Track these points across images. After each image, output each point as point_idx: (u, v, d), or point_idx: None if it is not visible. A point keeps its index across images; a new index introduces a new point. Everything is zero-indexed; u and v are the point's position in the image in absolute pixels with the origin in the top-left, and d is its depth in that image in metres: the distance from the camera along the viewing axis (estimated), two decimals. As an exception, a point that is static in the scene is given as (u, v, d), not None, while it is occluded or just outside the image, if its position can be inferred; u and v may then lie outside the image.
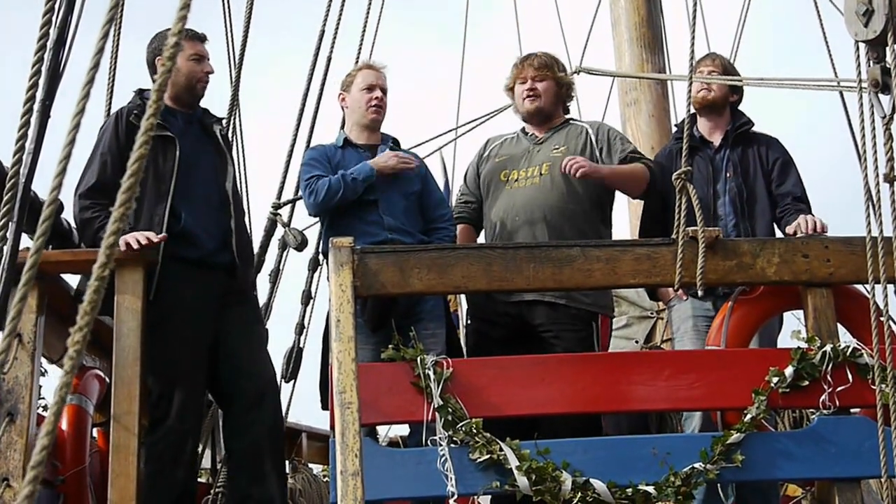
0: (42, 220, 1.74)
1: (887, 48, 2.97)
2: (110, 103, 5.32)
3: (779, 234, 4.60)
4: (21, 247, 2.80)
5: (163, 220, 4.27)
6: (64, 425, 4.46)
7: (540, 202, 4.74)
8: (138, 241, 4.06)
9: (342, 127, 5.14)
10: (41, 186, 2.89)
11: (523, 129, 5.06)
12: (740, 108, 4.97)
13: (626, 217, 6.70)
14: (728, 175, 4.73)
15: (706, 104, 4.82)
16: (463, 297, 5.22)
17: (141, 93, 4.59)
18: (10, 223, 2.66)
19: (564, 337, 4.56)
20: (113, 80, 5.41)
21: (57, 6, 2.53)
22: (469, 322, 4.91)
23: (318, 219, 5.01)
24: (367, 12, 6.75)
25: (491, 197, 4.90)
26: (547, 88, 4.94)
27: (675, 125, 5.44)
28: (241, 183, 5.17)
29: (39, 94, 2.49)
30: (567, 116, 5.07)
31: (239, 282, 4.53)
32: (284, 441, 4.79)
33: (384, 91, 4.90)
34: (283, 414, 5.12)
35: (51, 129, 2.72)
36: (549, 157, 4.82)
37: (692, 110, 4.32)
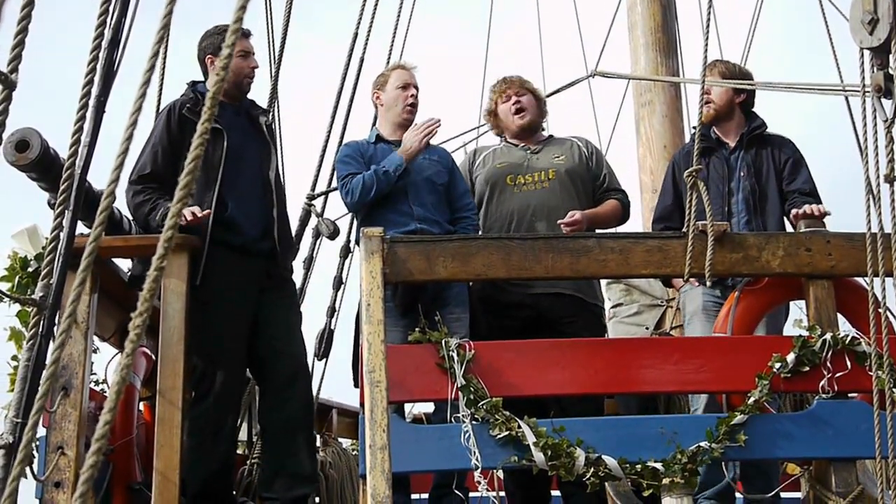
0: (100, 211, 1.75)
1: (891, 55, 2.95)
2: (160, 96, 5.35)
3: (789, 228, 4.59)
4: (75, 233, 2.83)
5: (211, 208, 4.28)
6: (114, 400, 4.48)
7: (552, 202, 4.90)
8: (185, 217, 4.10)
9: (374, 124, 5.14)
10: (95, 177, 2.91)
11: (507, 142, 5.18)
12: (755, 109, 4.95)
13: (638, 210, 6.71)
14: (742, 175, 4.73)
15: (711, 118, 4.83)
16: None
17: (193, 85, 4.60)
18: (67, 211, 2.69)
19: (585, 328, 4.71)
20: (163, 76, 5.43)
21: (111, 8, 2.54)
22: (482, 314, 4.88)
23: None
24: (399, 14, 6.77)
25: (497, 198, 5.00)
26: (530, 102, 5.13)
27: (693, 126, 5.45)
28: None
29: (94, 91, 2.50)
30: (546, 134, 5.23)
31: (279, 268, 4.55)
32: (315, 417, 4.81)
33: (417, 89, 4.93)
34: (315, 392, 5.15)
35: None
36: (552, 164, 5.01)
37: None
